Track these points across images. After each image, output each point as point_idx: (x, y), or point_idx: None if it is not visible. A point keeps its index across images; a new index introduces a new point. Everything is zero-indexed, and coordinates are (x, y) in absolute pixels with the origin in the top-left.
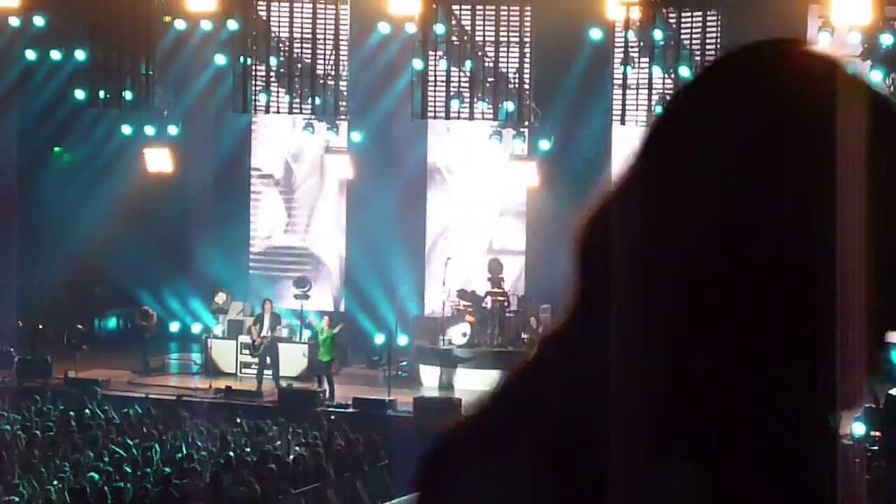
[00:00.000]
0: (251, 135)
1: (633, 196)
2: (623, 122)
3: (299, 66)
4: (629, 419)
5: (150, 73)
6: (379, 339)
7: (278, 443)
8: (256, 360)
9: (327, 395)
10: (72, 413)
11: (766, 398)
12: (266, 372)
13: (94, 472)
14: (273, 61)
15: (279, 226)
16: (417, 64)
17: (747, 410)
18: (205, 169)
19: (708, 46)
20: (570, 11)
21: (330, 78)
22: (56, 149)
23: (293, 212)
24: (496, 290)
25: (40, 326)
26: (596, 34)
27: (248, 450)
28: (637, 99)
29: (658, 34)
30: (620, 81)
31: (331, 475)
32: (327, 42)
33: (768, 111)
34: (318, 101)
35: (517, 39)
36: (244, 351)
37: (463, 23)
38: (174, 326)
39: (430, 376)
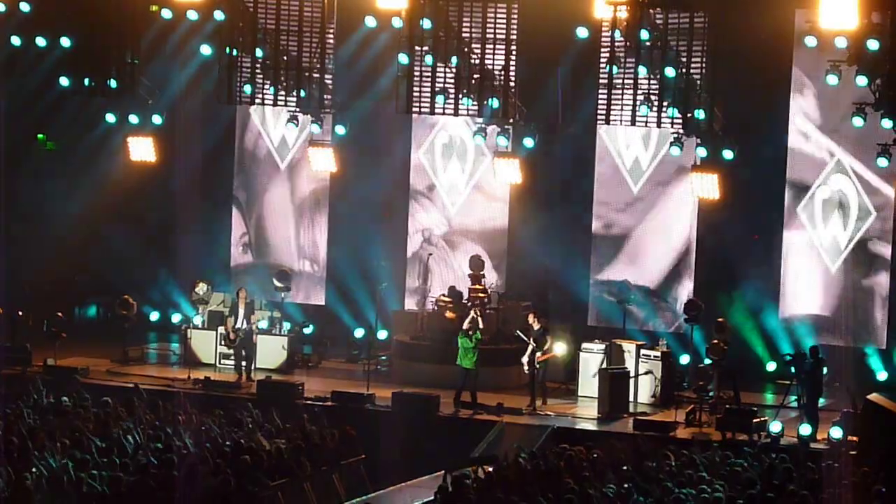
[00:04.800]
0: (236, 126)
1: None
2: (608, 121)
3: (285, 58)
4: None
5: (135, 61)
6: (359, 333)
7: (256, 435)
8: (237, 352)
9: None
10: (50, 401)
11: None
12: (245, 364)
13: (71, 460)
14: (259, 53)
15: (262, 217)
16: (403, 59)
17: None
18: (189, 159)
19: (694, 48)
20: (557, 10)
21: (315, 71)
22: (39, 136)
23: (276, 204)
24: (477, 286)
25: (20, 313)
26: (582, 33)
27: (226, 441)
28: (622, 99)
29: (644, 34)
30: (606, 81)
31: (307, 468)
32: (314, 35)
33: None
34: (303, 93)
35: (504, 36)
36: (223, 342)
37: (450, 18)
38: (154, 316)
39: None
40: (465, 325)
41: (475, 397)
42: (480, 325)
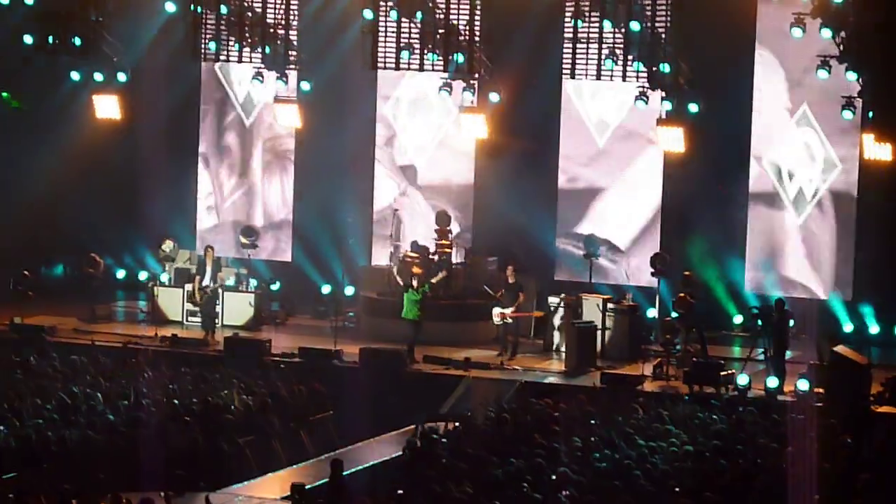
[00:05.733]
0: (201, 83)
1: None
2: (573, 76)
3: (250, 14)
4: None
5: (100, 18)
6: (326, 289)
7: (224, 392)
8: (205, 310)
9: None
10: (17, 359)
11: None
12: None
13: (39, 419)
14: (223, 9)
15: (228, 174)
16: (368, 14)
17: None
18: (155, 117)
19: (659, 1)
20: None
21: (280, 27)
22: (4, 94)
23: (242, 160)
24: (443, 241)
25: None
26: None
27: (194, 399)
28: (587, 53)
29: None
30: (571, 35)
31: (275, 425)
32: None
33: None
34: (268, 49)
35: None
36: (189, 300)
37: None
38: (121, 274)
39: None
40: (415, 283)
41: (412, 353)
42: (433, 279)
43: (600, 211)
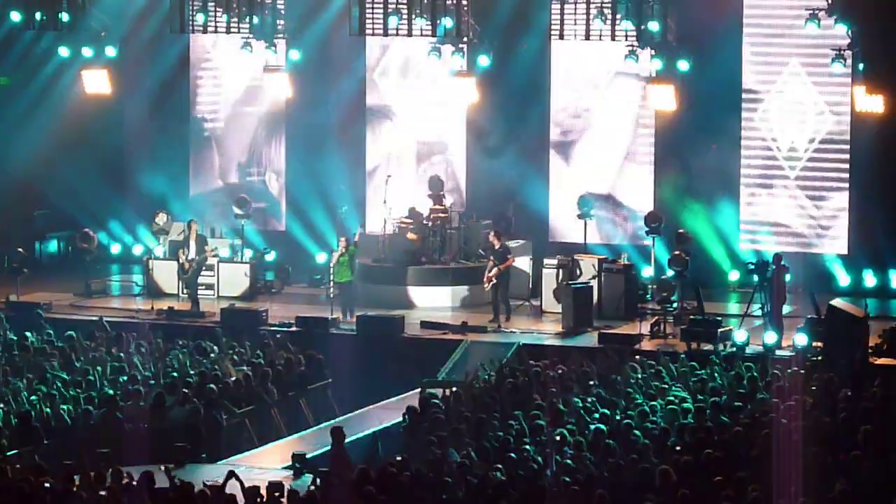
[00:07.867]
0: (189, 55)
1: None
2: (562, 36)
3: None
4: None
5: None
6: (321, 257)
7: (221, 363)
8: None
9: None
10: (14, 337)
11: None
12: (207, 292)
13: (38, 395)
14: None
15: (219, 147)
16: None
17: None
18: (143, 90)
19: None
20: None
21: None
22: None
23: (233, 132)
24: (437, 206)
25: None
26: None
27: (191, 371)
28: (575, 13)
29: None
30: None
31: (274, 394)
32: None
33: None
34: (255, 19)
35: None
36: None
37: None
38: (115, 248)
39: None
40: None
41: (349, 313)
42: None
43: (593, 169)
